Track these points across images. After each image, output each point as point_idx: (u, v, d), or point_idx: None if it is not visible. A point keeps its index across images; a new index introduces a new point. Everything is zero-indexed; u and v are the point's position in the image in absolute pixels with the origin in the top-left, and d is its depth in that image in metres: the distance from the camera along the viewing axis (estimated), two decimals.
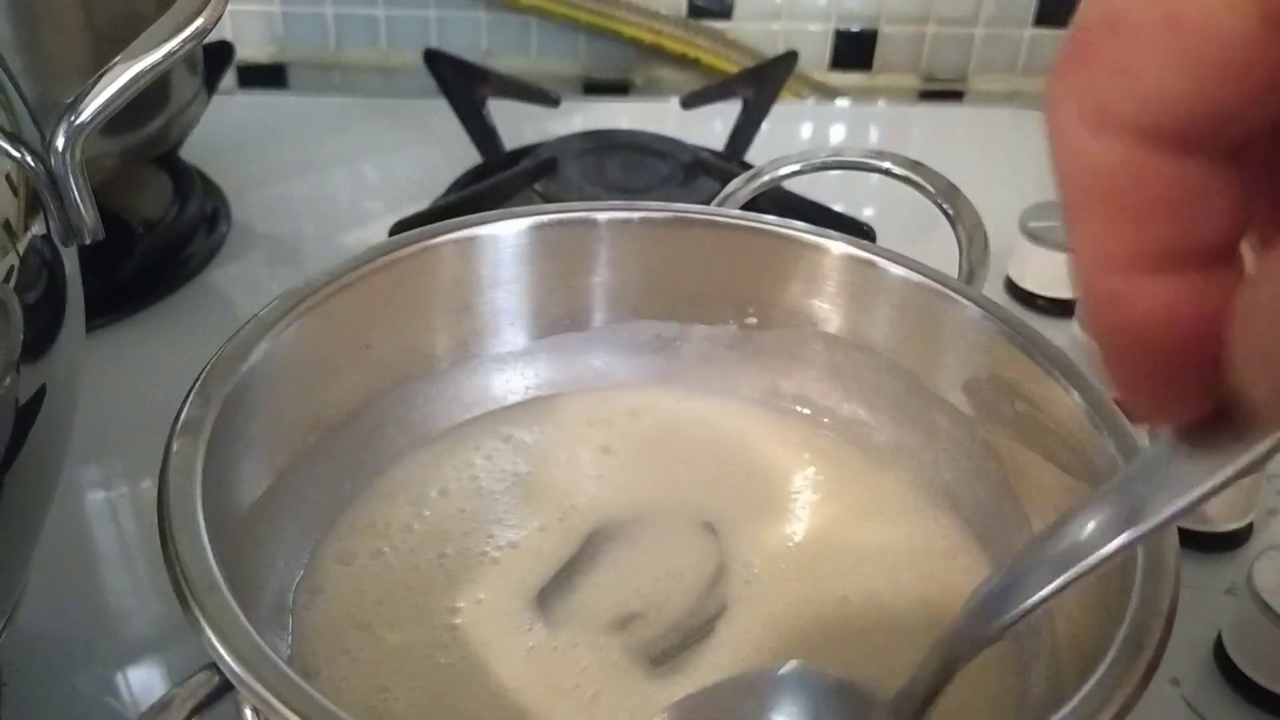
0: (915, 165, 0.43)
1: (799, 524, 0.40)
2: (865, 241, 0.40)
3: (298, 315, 0.36)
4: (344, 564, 0.37)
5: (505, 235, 0.40)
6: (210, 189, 0.72)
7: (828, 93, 0.92)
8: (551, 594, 0.36)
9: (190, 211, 0.67)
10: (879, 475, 0.41)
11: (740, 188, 0.44)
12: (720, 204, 0.44)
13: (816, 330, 0.43)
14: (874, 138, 0.88)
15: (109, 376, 0.55)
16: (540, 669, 0.34)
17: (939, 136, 0.88)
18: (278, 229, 0.72)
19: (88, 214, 0.34)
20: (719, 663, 0.35)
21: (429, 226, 0.39)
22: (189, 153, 0.73)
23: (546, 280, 0.42)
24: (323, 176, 0.79)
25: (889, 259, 0.39)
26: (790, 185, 0.66)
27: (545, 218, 0.41)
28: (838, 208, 0.67)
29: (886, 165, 0.43)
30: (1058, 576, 0.22)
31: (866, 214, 0.68)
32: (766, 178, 0.44)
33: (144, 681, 0.44)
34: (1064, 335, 0.59)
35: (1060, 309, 0.63)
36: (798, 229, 0.40)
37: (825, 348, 0.43)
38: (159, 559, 0.46)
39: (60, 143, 0.34)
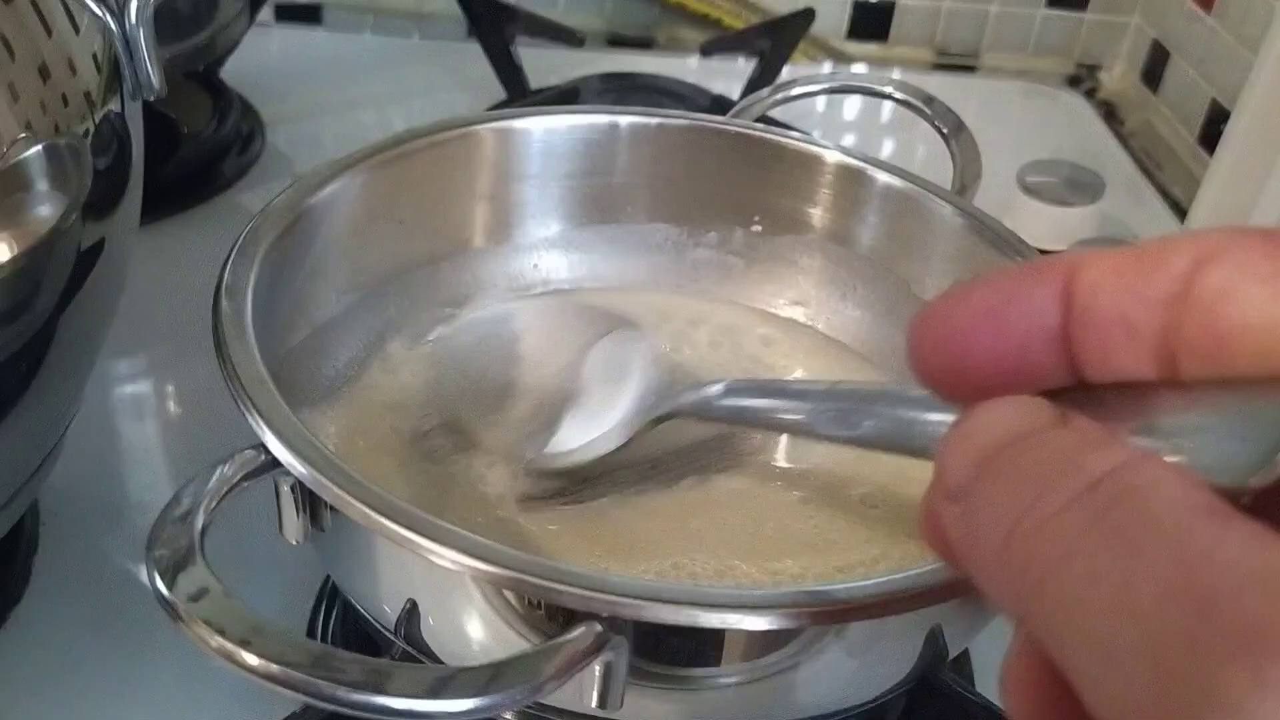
0: (914, 89, 0.46)
1: None
2: (857, 150, 0.43)
3: (345, 181, 0.39)
4: (369, 406, 0.40)
5: (535, 130, 0.44)
6: (249, 112, 0.75)
7: (843, 59, 0.95)
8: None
9: (227, 129, 0.70)
10: (870, 373, 0.45)
11: (755, 102, 0.47)
12: (735, 115, 0.47)
13: (817, 237, 0.46)
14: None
15: (142, 272, 0.58)
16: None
17: (951, 100, 0.91)
18: (309, 157, 0.75)
19: (154, 73, 0.38)
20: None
21: (465, 115, 0.42)
22: (230, 78, 0.77)
23: (569, 177, 0.45)
24: (354, 112, 0.82)
25: (878, 166, 0.43)
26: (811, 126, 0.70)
27: (573, 118, 0.44)
28: None
29: (889, 90, 0.46)
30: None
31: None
32: (779, 95, 0.48)
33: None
34: None
35: None
36: (795, 138, 0.44)
37: (824, 255, 0.46)
38: (187, 445, 0.49)
39: (134, 6, 0.37)
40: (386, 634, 0.32)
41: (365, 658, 0.24)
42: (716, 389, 0.34)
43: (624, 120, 0.44)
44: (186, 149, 0.65)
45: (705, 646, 0.29)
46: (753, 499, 0.38)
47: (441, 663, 0.32)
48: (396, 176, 0.41)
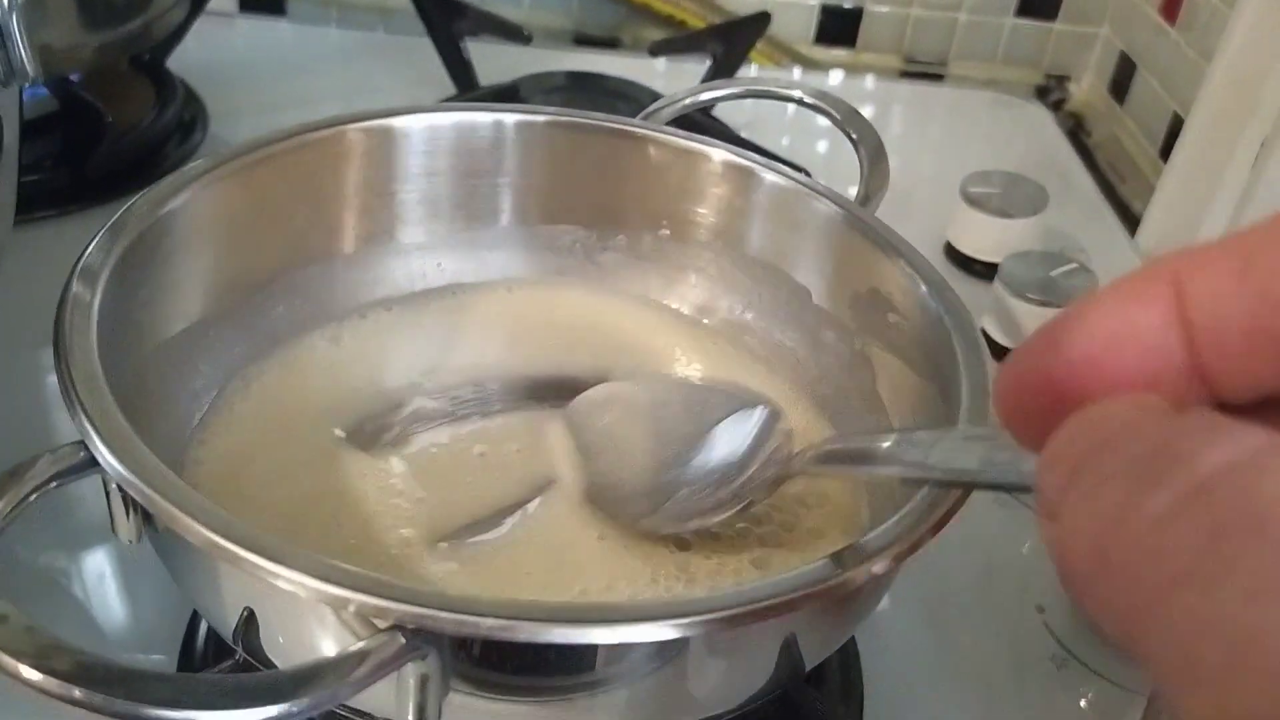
0: (822, 94, 0.46)
1: None
2: (746, 151, 0.43)
3: (214, 179, 0.39)
4: (246, 408, 0.39)
5: (416, 129, 0.43)
6: (192, 101, 0.75)
7: (810, 65, 0.94)
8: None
9: (167, 118, 0.70)
10: (766, 378, 0.44)
11: (665, 106, 0.47)
12: (647, 119, 0.47)
13: (721, 242, 0.45)
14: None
15: (67, 260, 0.58)
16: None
17: (916, 108, 0.91)
18: None
19: (28, 60, 0.37)
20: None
21: (344, 114, 0.42)
22: (183, 69, 0.76)
23: (462, 176, 0.45)
24: (308, 105, 0.81)
25: (765, 167, 0.42)
26: (749, 133, 0.69)
27: (454, 115, 0.43)
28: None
29: (798, 94, 0.46)
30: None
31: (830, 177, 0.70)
32: (688, 100, 0.47)
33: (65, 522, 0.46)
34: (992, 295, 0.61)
35: (993, 271, 0.65)
36: (682, 135, 0.43)
37: (730, 260, 0.45)
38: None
39: None
40: (227, 642, 0.32)
41: (133, 669, 0.23)
42: (817, 453, 0.33)
43: (510, 119, 0.43)
44: (122, 138, 0.64)
45: (530, 658, 0.28)
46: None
47: None
48: (276, 174, 0.40)
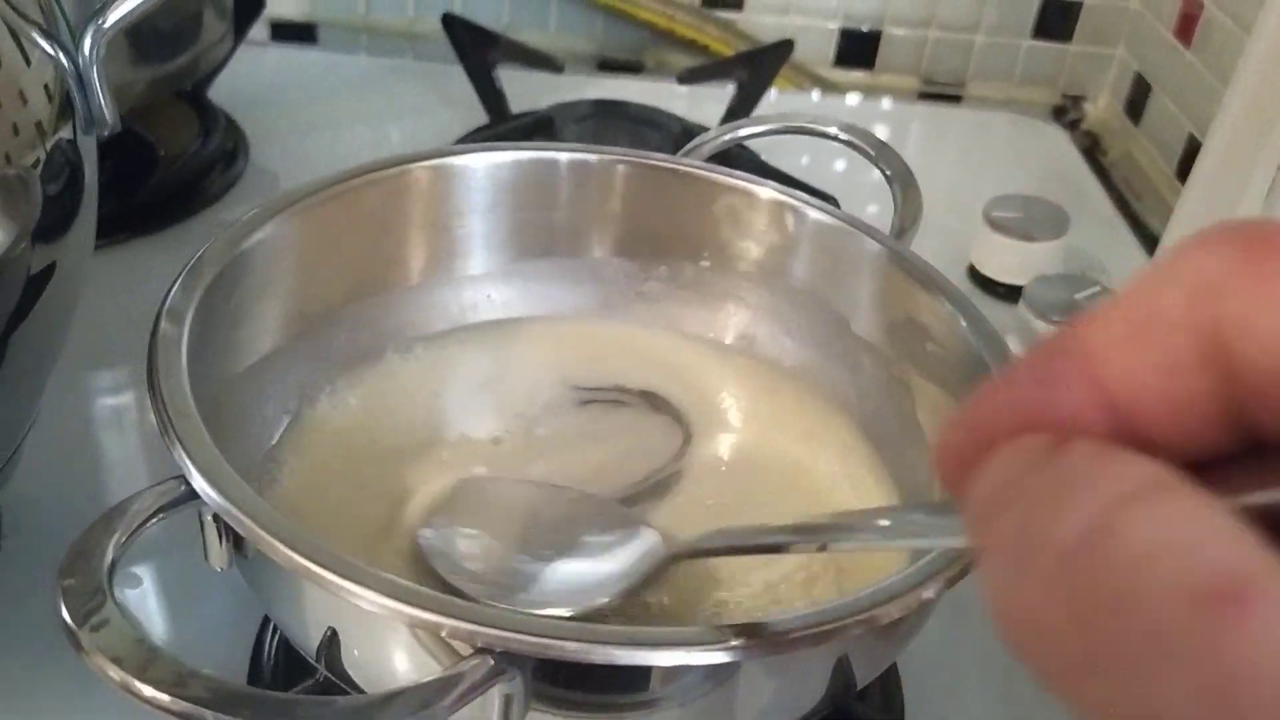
0: (860, 132, 0.47)
1: (726, 438, 0.44)
2: (791, 189, 0.44)
3: (284, 218, 0.41)
4: (314, 433, 0.41)
5: (476, 166, 0.45)
6: (233, 130, 0.77)
7: (829, 88, 0.96)
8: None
9: (211, 147, 0.72)
10: (809, 404, 0.46)
11: (701, 144, 0.48)
12: (686, 155, 0.49)
13: (762, 274, 0.47)
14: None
15: (119, 287, 0.60)
16: None
17: (934, 130, 0.93)
18: (293, 174, 0.77)
19: (107, 109, 0.39)
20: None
21: (408, 153, 0.44)
22: (219, 97, 0.78)
23: (516, 211, 0.47)
24: (342, 131, 0.83)
25: (809, 204, 0.44)
26: (769, 157, 0.71)
27: (512, 154, 0.46)
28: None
29: (833, 131, 0.47)
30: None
31: (850, 198, 0.72)
32: (727, 137, 0.49)
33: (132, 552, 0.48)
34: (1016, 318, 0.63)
35: (1016, 294, 0.67)
36: (726, 173, 0.45)
37: (769, 291, 0.47)
38: (155, 454, 0.50)
39: (87, 43, 0.38)
40: (309, 660, 0.34)
41: (260, 692, 0.25)
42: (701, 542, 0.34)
43: (564, 156, 0.46)
44: (168, 167, 0.66)
45: (606, 678, 0.30)
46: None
47: (361, 690, 0.33)
48: (342, 211, 0.42)
